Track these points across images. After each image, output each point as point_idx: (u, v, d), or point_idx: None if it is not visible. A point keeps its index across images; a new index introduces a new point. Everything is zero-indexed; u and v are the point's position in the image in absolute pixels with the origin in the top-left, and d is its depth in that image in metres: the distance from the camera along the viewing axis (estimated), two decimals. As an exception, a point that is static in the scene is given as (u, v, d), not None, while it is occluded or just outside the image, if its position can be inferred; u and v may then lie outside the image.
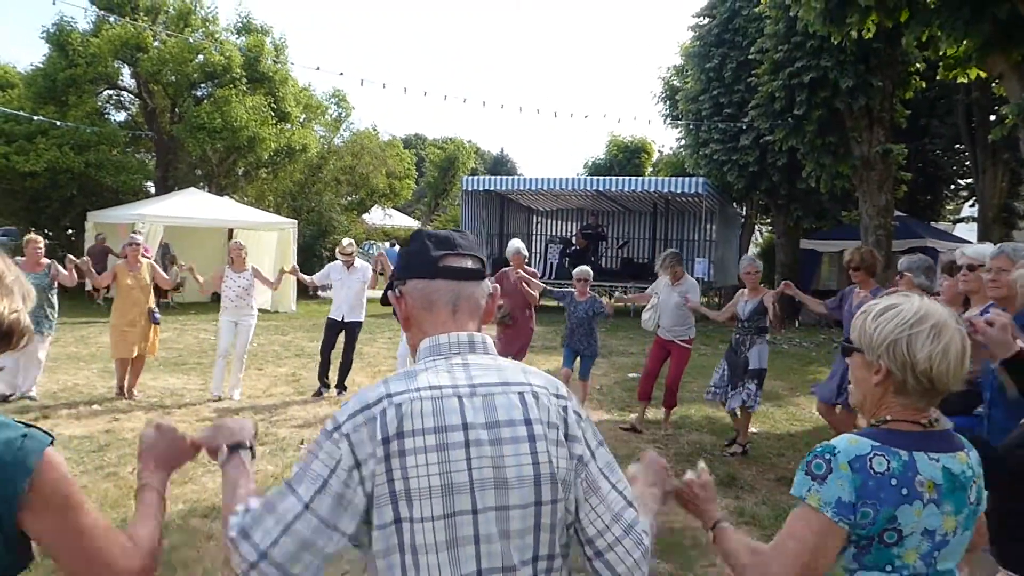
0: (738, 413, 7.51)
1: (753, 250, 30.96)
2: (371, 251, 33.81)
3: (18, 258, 8.77)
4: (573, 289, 8.63)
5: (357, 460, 1.43)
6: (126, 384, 8.90)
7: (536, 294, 8.55)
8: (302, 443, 7.19)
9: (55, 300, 8.80)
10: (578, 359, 8.42)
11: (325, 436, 1.47)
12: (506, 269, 8.93)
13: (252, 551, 1.40)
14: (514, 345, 8.61)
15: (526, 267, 8.82)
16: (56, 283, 8.73)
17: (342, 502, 1.42)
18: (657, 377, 8.36)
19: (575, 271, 8.78)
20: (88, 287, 18.47)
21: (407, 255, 1.70)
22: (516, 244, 9.00)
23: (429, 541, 1.43)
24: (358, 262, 9.45)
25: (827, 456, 1.67)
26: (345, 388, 9.44)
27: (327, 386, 9.45)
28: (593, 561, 1.56)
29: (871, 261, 6.46)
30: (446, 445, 1.46)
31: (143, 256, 9.03)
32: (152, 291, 8.87)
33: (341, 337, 9.41)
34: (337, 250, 9.56)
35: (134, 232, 8.99)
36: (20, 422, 1.49)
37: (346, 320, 9.33)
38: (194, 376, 10.38)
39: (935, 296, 5.10)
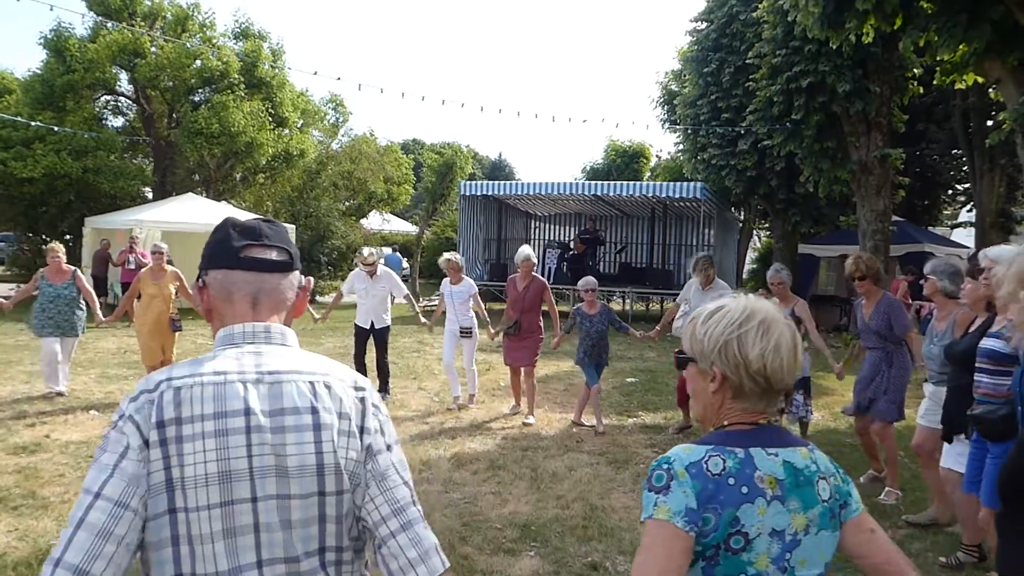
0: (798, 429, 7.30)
1: (752, 255, 31.01)
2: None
3: (41, 270, 9.13)
4: (580, 305, 8.38)
5: (145, 440, 1.39)
6: None
7: (553, 314, 8.72)
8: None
9: (82, 303, 9.18)
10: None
11: (111, 427, 1.43)
12: (514, 276, 8.91)
13: (49, 566, 1.33)
14: (520, 353, 8.57)
15: (537, 278, 8.79)
16: (81, 292, 9.10)
17: (137, 481, 1.38)
18: None
19: (579, 283, 8.49)
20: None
21: (210, 245, 1.64)
22: (526, 251, 8.95)
23: (205, 531, 1.39)
24: (381, 269, 9.45)
25: (665, 466, 1.58)
26: (388, 392, 9.54)
27: (387, 392, 9.54)
28: (376, 553, 1.54)
29: (875, 268, 6.24)
30: (225, 431, 1.41)
31: (167, 264, 9.07)
32: (173, 299, 8.95)
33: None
34: (357, 260, 9.56)
35: (158, 242, 9.14)
36: None
37: (375, 327, 9.40)
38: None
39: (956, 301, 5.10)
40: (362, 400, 1.55)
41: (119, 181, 20.85)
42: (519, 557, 4.86)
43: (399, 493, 1.54)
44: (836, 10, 10.81)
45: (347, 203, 28.24)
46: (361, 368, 9.44)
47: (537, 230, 26.83)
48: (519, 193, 22.80)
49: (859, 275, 6.21)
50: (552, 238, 26.06)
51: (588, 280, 8.41)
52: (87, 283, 9.25)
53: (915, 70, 16.24)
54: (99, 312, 9.37)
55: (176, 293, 8.97)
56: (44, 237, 21.33)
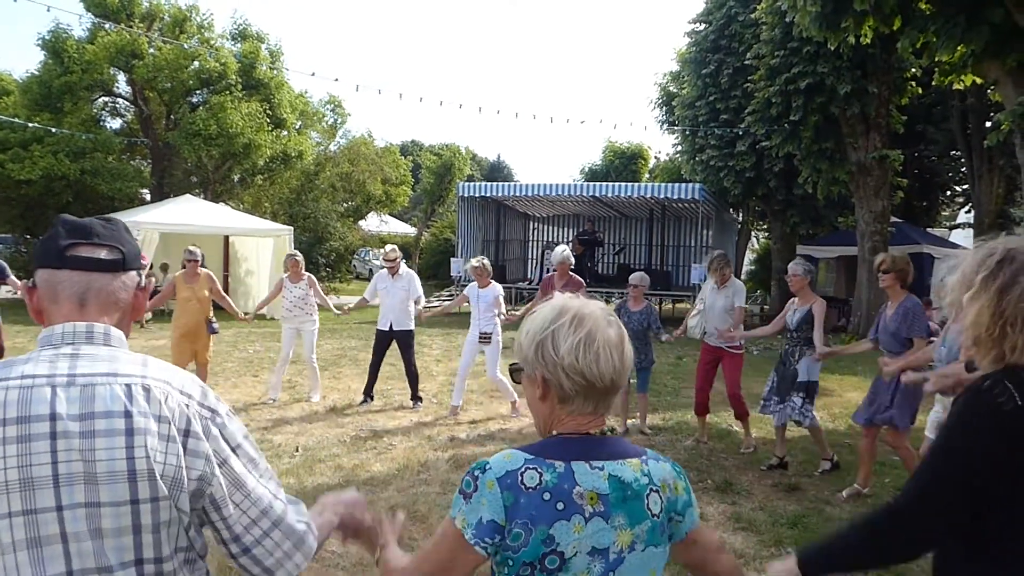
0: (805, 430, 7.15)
1: (750, 256, 31.02)
2: (367, 258, 33.90)
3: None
4: (625, 300, 8.20)
5: None
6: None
7: None
8: (297, 450, 7.16)
9: None
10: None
11: None
12: (550, 275, 8.69)
13: None
14: None
15: (574, 277, 8.54)
16: None
17: None
18: (711, 388, 7.89)
19: (631, 277, 8.29)
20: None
21: (40, 243, 1.58)
22: (563, 252, 8.66)
23: (7, 540, 1.34)
24: (403, 269, 9.28)
25: (476, 473, 1.52)
26: (420, 399, 9.31)
27: (371, 398, 9.33)
28: (239, 558, 1.51)
29: (903, 267, 5.98)
30: (28, 436, 1.36)
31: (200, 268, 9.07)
32: (210, 303, 9.02)
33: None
34: (381, 257, 9.43)
35: (192, 246, 9.20)
36: None
37: (394, 329, 9.12)
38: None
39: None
40: (187, 405, 1.47)
41: (117, 183, 20.82)
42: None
43: (257, 494, 1.50)
44: (834, 11, 10.82)
45: (345, 205, 28.25)
46: (373, 375, 9.29)
47: (535, 231, 26.85)
48: (517, 194, 22.81)
49: (884, 267, 6.00)
50: (550, 239, 26.07)
51: (641, 276, 8.21)
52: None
53: (913, 71, 16.24)
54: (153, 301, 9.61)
55: (209, 294, 9.03)
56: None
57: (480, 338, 8.84)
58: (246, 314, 9.90)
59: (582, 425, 1.58)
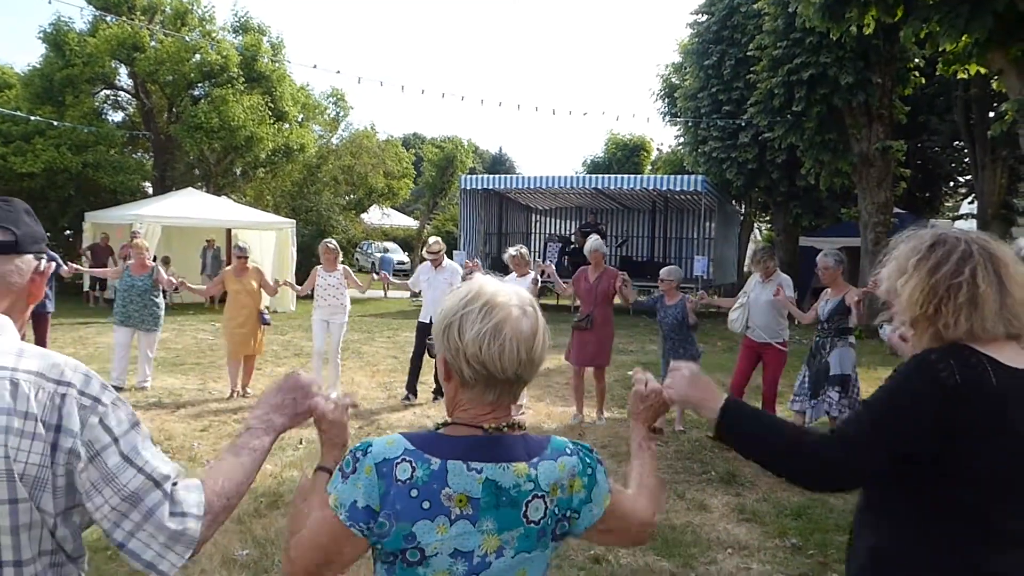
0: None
1: (752, 248, 30.97)
2: (369, 251, 33.90)
3: (129, 261, 9.57)
4: (661, 293, 8.00)
5: None
6: (239, 382, 9.25)
7: (631, 298, 8.27)
8: (300, 442, 7.17)
9: (160, 300, 9.49)
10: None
11: None
12: (584, 268, 8.46)
13: None
14: (592, 349, 8.14)
15: (608, 268, 8.35)
16: (159, 284, 9.41)
17: None
18: (747, 384, 7.74)
19: (662, 271, 8.05)
20: (86, 287, 18.61)
21: None
22: (596, 242, 8.44)
23: None
24: (447, 261, 9.22)
25: (357, 455, 1.48)
26: (415, 394, 9.22)
27: (414, 394, 9.20)
28: (121, 552, 1.43)
29: None
30: None
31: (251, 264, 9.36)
32: (260, 295, 9.21)
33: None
34: (424, 250, 9.37)
35: (241, 242, 9.40)
36: None
37: (434, 321, 9.11)
38: (192, 376, 10.35)
39: None
40: (63, 397, 1.39)
41: (119, 176, 20.85)
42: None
43: (134, 484, 1.41)
44: (837, 1, 10.78)
45: (348, 198, 28.22)
46: (416, 369, 9.22)
47: (538, 224, 26.81)
48: (520, 187, 22.78)
49: None
50: (553, 232, 26.05)
51: (672, 269, 8.04)
52: (164, 277, 9.53)
53: (917, 61, 16.19)
54: (198, 288, 10.53)
55: (259, 286, 9.21)
56: (46, 232, 21.32)
57: None
58: (276, 280, 10.03)
59: (478, 416, 1.53)
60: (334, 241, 9.77)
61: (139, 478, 1.42)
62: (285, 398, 1.77)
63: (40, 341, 9.73)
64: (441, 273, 9.07)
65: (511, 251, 8.97)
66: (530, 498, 1.50)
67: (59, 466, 1.37)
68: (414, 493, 1.43)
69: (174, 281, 9.56)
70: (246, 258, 9.25)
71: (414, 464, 1.45)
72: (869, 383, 11.30)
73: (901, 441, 1.72)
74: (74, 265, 10.53)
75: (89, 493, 1.40)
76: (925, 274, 1.79)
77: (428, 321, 9.01)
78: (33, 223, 1.59)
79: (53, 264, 1.64)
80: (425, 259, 9.29)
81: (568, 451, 1.59)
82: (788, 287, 7.46)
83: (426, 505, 1.44)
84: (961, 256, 1.78)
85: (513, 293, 1.55)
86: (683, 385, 1.90)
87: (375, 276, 9.80)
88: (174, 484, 1.47)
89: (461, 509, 1.45)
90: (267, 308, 9.36)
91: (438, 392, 9.17)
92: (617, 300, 8.37)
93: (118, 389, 9.02)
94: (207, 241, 18.72)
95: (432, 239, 9.46)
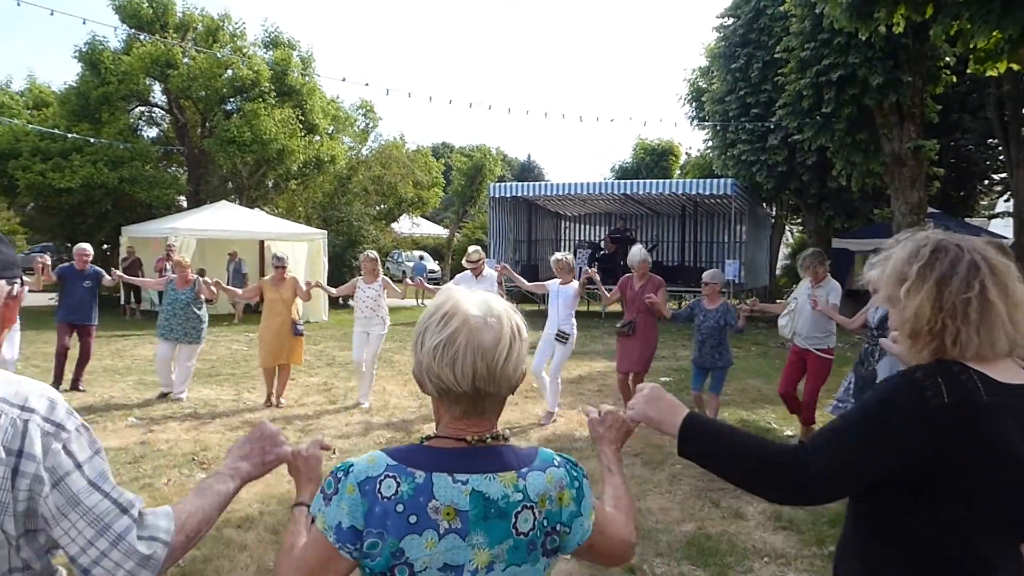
0: None
1: (784, 251, 30.72)
2: (400, 259, 34.10)
3: (172, 275, 9.78)
4: (700, 298, 7.94)
5: None
6: (273, 392, 9.38)
7: (668, 313, 8.23)
8: (334, 453, 7.23)
9: (204, 313, 9.69)
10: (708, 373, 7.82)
11: None
12: (628, 275, 8.49)
13: None
14: (633, 355, 8.17)
15: (653, 276, 8.34)
16: (201, 297, 9.59)
17: None
18: (795, 391, 7.69)
19: (704, 275, 7.99)
20: (123, 301, 18.91)
21: None
22: (642, 252, 8.41)
23: None
24: (486, 270, 9.28)
25: (339, 475, 1.46)
26: None
27: None
28: None
29: None
30: None
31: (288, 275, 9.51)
32: (295, 305, 9.34)
33: None
34: (464, 259, 9.42)
35: (279, 252, 9.59)
36: None
37: None
38: (227, 387, 10.48)
39: None
40: (27, 421, 1.39)
41: (154, 190, 21.18)
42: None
43: (101, 509, 1.41)
44: (865, 1, 10.68)
45: (378, 208, 28.42)
46: None
47: (567, 230, 26.82)
48: (548, 194, 22.83)
49: None
50: (582, 238, 26.06)
51: (714, 273, 7.96)
52: (208, 289, 9.70)
53: (947, 59, 15.98)
54: (235, 290, 10.62)
55: (294, 296, 9.33)
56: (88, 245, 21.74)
57: (557, 336, 8.59)
58: (307, 282, 10.08)
59: (460, 429, 1.50)
60: (375, 252, 9.83)
61: (106, 503, 1.43)
62: (253, 447, 1.79)
63: (85, 352, 9.99)
64: (482, 283, 9.11)
65: (557, 255, 8.99)
66: (519, 509, 1.46)
67: (20, 491, 1.37)
68: (400, 508, 1.41)
69: (213, 289, 9.69)
70: (284, 268, 9.36)
71: (398, 479, 1.43)
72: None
73: (877, 468, 1.64)
74: (118, 272, 10.79)
75: (55, 518, 1.40)
76: (933, 284, 1.69)
77: None
78: (5, 248, 1.58)
79: (26, 289, 1.63)
80: (464, 268, 9.36)
81: (556, 463, 1.55)
82: (836, 294, 7.32)
83: (413, 519, 1.41)
84: (968, 267, 1.68)
85: (481, 302, 1.51)
86: (641, 404, 1.88)
87: (409, 281, 9.84)
88: (140, 511, 1.48)
89: (450, 522, 1.42)
90: (300, 318, 9.44)
91: None
92: None
93: (164, 395, 9.45)
94: (230, 254, 18.95)
95: (471, 248, 9.51)
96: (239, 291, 10.59)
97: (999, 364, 1.67)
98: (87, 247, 10.11)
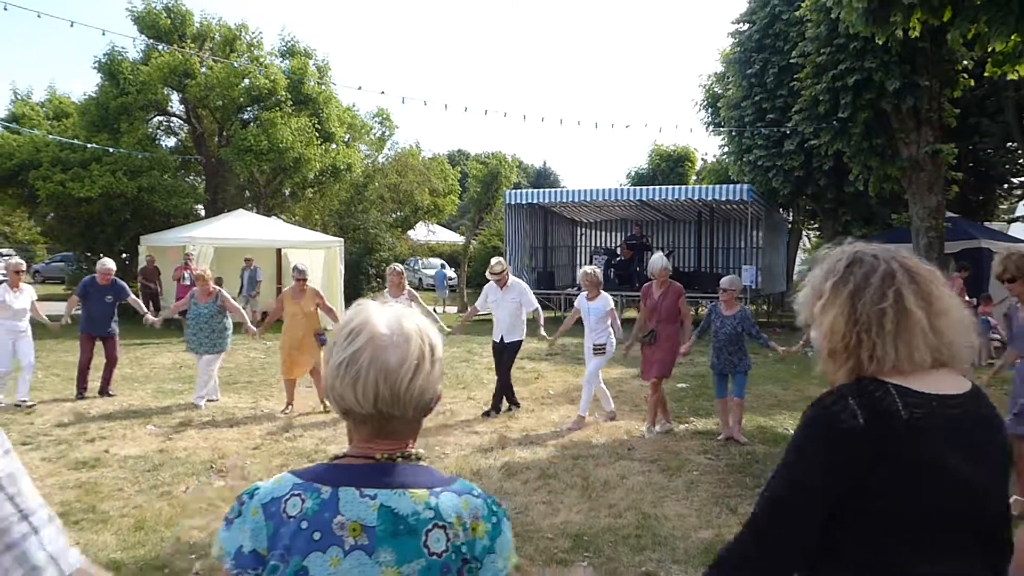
0: None
1: (801, 256, 30.56)
2: (417, 267, 34.17)
3: (194, 288, 9.92)
4: (717, 304, 8.02)
5: None
6: (293, 401, 9.50)
7: (687, 323, 8.43)
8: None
9: (228, 323, 9.84)
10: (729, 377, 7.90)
11: None
12: (650, 283, 8.49)
13: None
14: (655, 364, 8.21)
15: (673, 284, 8.37)
16: (225, 309, 9.73)
17: None
18: None
19: (722, 281, 8.07)
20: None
21: None
22: (662, 260, 8.45)
23: None
24: (512, 280, 9.31)
25: (243, 499, 1.40)
26: (498, 411, 9.28)
27: (516, 404, 9.44)
28: None
29: None
30: None
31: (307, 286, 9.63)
32: (318, 316, 9.46)
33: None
34: (487, 271, 9.49)
35: (300, 264, 9.74)
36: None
37: (505, 341, 9.20)
38: (245, 395, 10.53)
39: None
40: None
41: (172, 199, 21.32)
42: (572, 567, 4.85)
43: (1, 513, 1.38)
44: (881, 6, 10.63)
45: (394, 215, 28.50)
46: (505, 386, 9.36)
47: (583, 237, 26.79)
48: (564, 200, 22.82)
49: (1008, 277, 5.22)
50: (599, 245, 26.02)
51: (732, 279, 8.03)
52: (230, 301, 9.87)
53: (965, 63, 15.87)
54: (249, 324, 10.26)
55: (315, 308, 9.41)
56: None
57: (594, 350, 8.69)
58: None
59: (368, 448, 1.44)
60: (400, 265, 9.89)
61: (7, 507, 1.40)
62: None
63: (111, 359, 10.13)
64: (508, 293, 9.16)
65: (585, 269, 9.05)
66: (430, 527, 1.38)
67: None
68: (304, 525, 1.35)
69: (238, 307, 9.90)
70: (305, 280, 9.45)
71: (303, 496, 1.37)
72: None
73: (819, 509, 1.52)
74: (151, 318, 11.00)
75: None
76: (846, 299, 1.63)
77: (500, 340, 9.21)
78: None
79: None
80: (488, 279, 9.40)
81: (475, 494, 1.47)
82: None
83: (317, 536, 1.35)
84: (883, 277, 1.61)
85: (393, 319, 1.45)
86: None
87: (447, 331, 10.00)
88: (41, 525, 1.43)
89: (355, 539, 1.35)
90: (325, 329, 9.51)
91: (495, 409, 9.28)
92: None
93: (211, 401, 9.73)
94: (245, 260, 19.05)
95: (494, 260, 9.55)
96: (253, 328, 10.32)
97: (928, 375, 1.58)
98: (110, 264, 10.30)
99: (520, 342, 9.32)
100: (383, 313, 1.46)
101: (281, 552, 1.34)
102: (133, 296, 10.36)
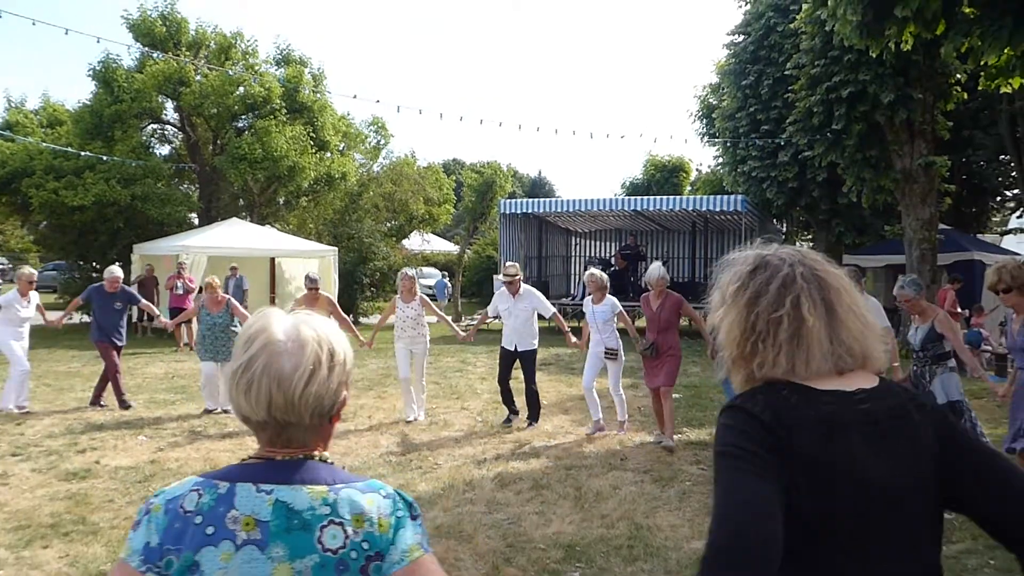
0: None
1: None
2: (415, 276, 34.13)
3: (203, 297, 9.93)
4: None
5: None
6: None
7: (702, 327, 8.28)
8: (344, 470, 7.23)
9: (240, 330, 9.52)
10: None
11: None
12: (647, 293, 8.42)
13: None
14: (660, 371, 8.15)
15: (671, 294, 8.31)
16: (236, 316, 9.76)
17: None
18: None
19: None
20: (135, 319, 18.96)
21: None
22: (658, 271, 8.35)
23: None
24: (524, 287, 9.21)
25: (150, 500, 1.41)
26: (536, 418, 9.19)
27: (515, 413, 9.35)
28: None
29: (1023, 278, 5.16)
30: None
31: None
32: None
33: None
34: (501, 273, 9.42)
35: (312, 272, 9.79)
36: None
37: (519, 350, 9.10)
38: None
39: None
40: None
41: (166, 207, 21.26)
42: (564, 578, 4.83)
43: None
44: (875, 19, 10.68)
45: (389, 224, 28.49)
46: (506, 391, 9.29)
47: (578, 247, 26.80)
48: (559, 210, 22.83)
49: (1003, 287, 5.22)
50: (593, 254, 26.01)
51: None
52: (240, 310, 9.85)
53: (958, 76, 15.96)
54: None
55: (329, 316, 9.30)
56: (94, 265, 21.82)
57: (606, 354, 8.60)
58: (362, 344, 9.95)
59: (271, 452, 1.45)
60: (412, 270, 9.89)
61: None
62: None
63: (113, 370, 10.07)
64: (520, 301, 9.08)
65: (592, 271, 8.93)
66: (325, 523, 1.37)
67: None
68: (199, 520, 1.35)
69: (248, 316, 9.82)
70: (317, 288, 9.51)
71: (201, 492, 1.38)
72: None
73: (769, 503, 1.41)
74: (164, 320, 11.43)
75: None
76: (743, 306, 1.58)
77: (513, 349, 9.14)
78: None
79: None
80: (502, 285, 9.34)
81: (383, 493, 1.45)
82: (880, 313, 6.86)
83: (210, 530, 1.34)
84: (783, 283, 1.55)
85: (291, 326, 1.45)
86: None
87: (461, 335, 10.04)
88: None
89: (248, 533, 1.34)
90: None
91: (534, 419, 9.21)
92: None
93: (210, 412, 9.67)
94: (230, 269, 18.94)
95: (509, 263, 9.52)
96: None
97: (831, 383, 1.52)
98: (118, 271, 10.31)
99: (536, 351, 9.24)
100: (283, 320, 1.46)
101: (177, 547, 1.34)
102: (145, 301, 10.41)
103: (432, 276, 32.79)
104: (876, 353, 1.57)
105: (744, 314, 1.57)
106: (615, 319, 8.68)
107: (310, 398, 1.41)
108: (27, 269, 9.93)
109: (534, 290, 9.38)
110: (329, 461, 1.49)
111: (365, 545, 1.38)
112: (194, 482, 1.41)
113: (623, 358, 8.79)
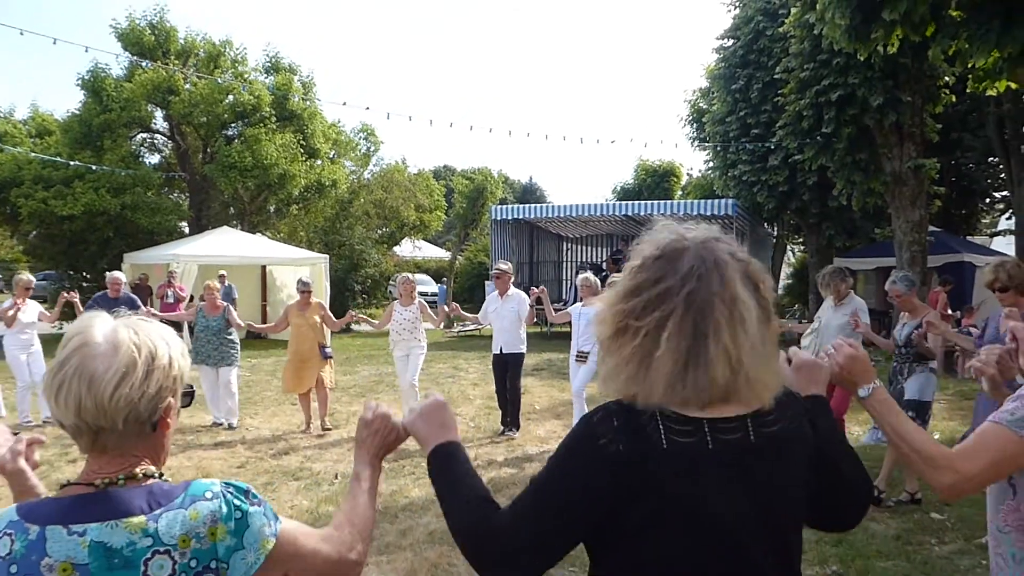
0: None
1: (786, 270, 30.67)
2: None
3: (201, 302, 9.94)
4: None
5: None
6: (315, 416, 9.41)
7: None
8: (336, 477, 7.19)
9: (235, 337, 9.76)
10: None
11: None
12: None
13: None
14: None
15: None
16: (231, 324, 9.67)
17: None
18: (846, 411, 7.34)
19: None
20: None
21: None
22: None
23: None
24: (513, 289, 9.13)
25: None
26: (518, 427, 9.08)
27: (515, 427, 9.18)
28: None
29: (1022, 277, 5.00)
30: None
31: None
32: (322, 329, 9.40)
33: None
34: (494, 268, 9.34)
35: (304, 277, 9.74)
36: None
37: (504, 352, 8.99)
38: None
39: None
40: None
41: (156, 216, 21.20)
42: (558, 584, 4.81)
43: None
44: (863, 22, 10.73)
45: (380, 231, 28.46)
46: (504, 401, 9.20)
47: (569, 252, 26.83)
48: (550, 216, 22.85)
49: (1000, 286, 5.04)
50: (584, 259, 26.05)
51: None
52: (235, 317, 9.77)
53: (947, 79, 16.04)
54: (264, 326, 11.40)
55: (320, 321, 9.36)
56: (85, 274, 21.74)
57: (577, 357, 8.52)
58: (351, 314, 10.17)
59: (92, 471, 1.38)
60: (411, 275, 9.86)
61: None
62: (371, 437, 1.81)
63: None
64: (508, 302, 9.02)
65: (586, 275, 8.91)
66: (149, 555, 1.30)
67: None
68: (14, 569, 1.27)
69: (241, 324, 9.88)
70: (309, 292, 9.43)
71: (13, 536, 1.29)
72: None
73: (569, 524, 1.41)
74: (153, 311, 11.11)
75: None
76: (618, 296, 1.48)
77: (499, 352, 9.04)
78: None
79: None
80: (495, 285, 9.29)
81: (208, 496, 1.38)
82: (863, 312, 7.00)
83: None
84: (666, 290, 1.42)
85: (112, 328, 1.40)
86: (416, 415, 1.68)
87: (446, 307, 9.94)
88: None
89: None
90: (327, 343, 9.48)
91: (513, 425, 9.11)
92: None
93: (217, 425, 9.50)
94: (219, 277, 18.90)
95: (501, 262, 9.46)
96: (267, 326, 11.02)
97: (707, 406, 1.41)
98: (120, 275, 10.28)
99: (523, 355, 9.11)
100: (104, 323, 1.41)
101: None
102: (144, 308, 10.39)
103: (424, 283, 32.79)
104: (763, 377, 1.43)
105: (615, 303, 1.49)
106: None
107: (120, 400, 1.35)
108: (24, 276, 9.92)
109: (522, 294, 9.32)
110: (158, 475, 1.42)
111: (193, 563, 1.33)
112: (8, 522, 1.32)
113: (595, 365, 8.74)
